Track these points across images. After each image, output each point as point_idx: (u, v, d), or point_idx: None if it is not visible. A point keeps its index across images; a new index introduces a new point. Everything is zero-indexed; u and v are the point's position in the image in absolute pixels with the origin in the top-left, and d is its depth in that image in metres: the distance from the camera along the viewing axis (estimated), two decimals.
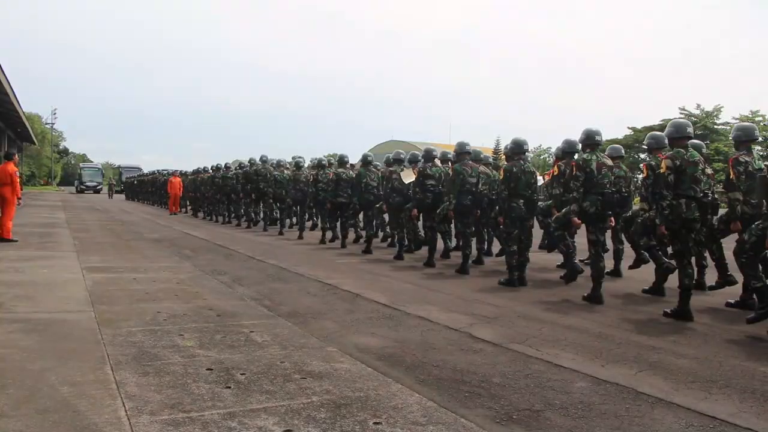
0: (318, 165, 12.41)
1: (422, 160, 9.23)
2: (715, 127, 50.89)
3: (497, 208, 8.00)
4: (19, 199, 10.91)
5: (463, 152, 8.18)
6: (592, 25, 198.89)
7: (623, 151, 8.17)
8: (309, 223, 14.85)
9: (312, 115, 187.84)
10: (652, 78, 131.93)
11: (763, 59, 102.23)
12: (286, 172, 14.28)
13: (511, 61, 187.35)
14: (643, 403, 3.32)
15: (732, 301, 5.99)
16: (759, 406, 3.30)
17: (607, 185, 6.34)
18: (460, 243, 8.65)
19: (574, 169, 6.33)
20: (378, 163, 12.08)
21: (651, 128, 40.17)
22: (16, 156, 11.66)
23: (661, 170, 5.45)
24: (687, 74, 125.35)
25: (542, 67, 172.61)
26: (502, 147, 9.23)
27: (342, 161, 11.81)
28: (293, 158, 13.78)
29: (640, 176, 6.76)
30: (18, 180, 10.78)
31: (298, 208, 13.48)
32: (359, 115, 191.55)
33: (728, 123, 49.67)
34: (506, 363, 4.05)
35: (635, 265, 7.25)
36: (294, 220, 14.93)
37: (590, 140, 6.48)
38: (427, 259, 8.69)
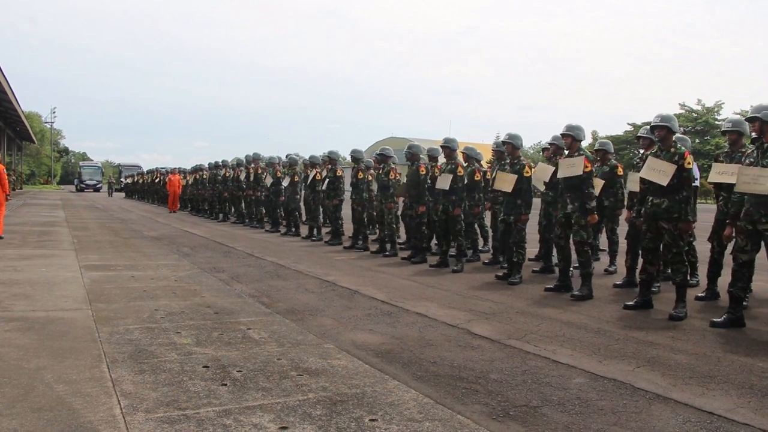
0: (311, 164, 12.37)
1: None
2: (716, 122, 50.83)
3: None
4: (7, 195, 10.92)
5: (455, 150, 8.23)
6: (592, 24, 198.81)
7: (612, 147, 8.22)
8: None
9: (312, 115, 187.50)
10: (652, 76, 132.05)
11: (763, 59, 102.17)
12: (278, 170, 14.25)
13: (511, 61, 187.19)
14: (640, 399, 3.31)
15: (701, 294, 6.11)
16: (757, 402, 3.29)
17: None
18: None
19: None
20: (369, 160, 12.05)
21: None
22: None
23: (689, 165, 5.25)
24: (687, 73, 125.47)
25: (542, 67, 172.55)
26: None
27: (334, 158, 11.63)
28: (287, 156, 13.76)
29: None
30: (6, 178, 10.82)
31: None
32: (359, 114, 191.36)
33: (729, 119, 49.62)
34: (504, 359, 4.04)
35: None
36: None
37: None
38: (419, 256, 8.69)
